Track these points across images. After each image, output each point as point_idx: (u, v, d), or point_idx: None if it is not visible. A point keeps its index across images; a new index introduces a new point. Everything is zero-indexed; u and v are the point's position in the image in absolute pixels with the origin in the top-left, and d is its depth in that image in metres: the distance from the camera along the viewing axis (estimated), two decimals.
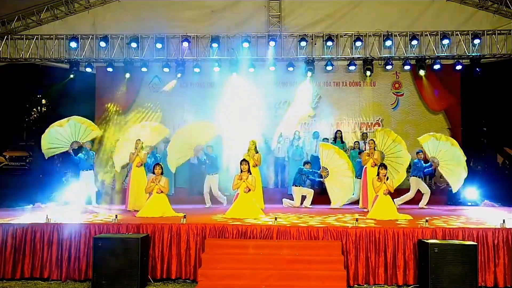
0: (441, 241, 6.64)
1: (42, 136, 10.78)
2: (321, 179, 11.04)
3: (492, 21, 12.77)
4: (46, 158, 10.97)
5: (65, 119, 10.85)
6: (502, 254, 6.81)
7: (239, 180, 8.58)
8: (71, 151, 10.76)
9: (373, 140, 10.56)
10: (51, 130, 10.73)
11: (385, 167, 8.60)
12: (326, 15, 13.16)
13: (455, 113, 13.56)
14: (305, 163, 11.29)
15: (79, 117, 11.07)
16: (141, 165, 10.11)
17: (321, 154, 11.04)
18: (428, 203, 10.84)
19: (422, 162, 10.87)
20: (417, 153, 10.97)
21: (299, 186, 11.05)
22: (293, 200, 11.15)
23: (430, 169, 10.82)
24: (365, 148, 11.85)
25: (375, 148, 10.41)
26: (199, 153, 11.04)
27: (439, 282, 6.36)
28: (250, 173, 8.69)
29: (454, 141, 10.78)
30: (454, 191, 10.87)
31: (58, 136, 10.74)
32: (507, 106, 13.13)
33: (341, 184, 10.84)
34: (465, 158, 10.68)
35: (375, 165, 10.05)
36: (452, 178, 10.66)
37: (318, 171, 10.97)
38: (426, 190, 10.89)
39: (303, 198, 11.07)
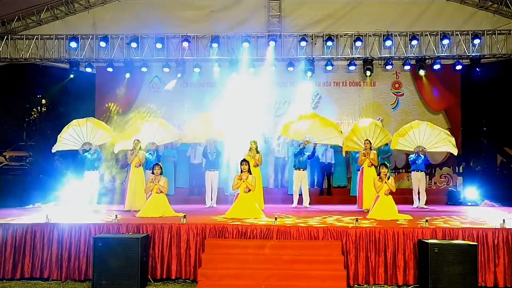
0: (441, 241, 6.64)
1: (62, 131, 10.68)
2: (314, 148, 11.01)
3: (492, 21, 12.77)
4: (53, 151, 10.85)
5: (84, 119, 10.75)
6: (502, 254, 6.81)
7: (239, 180, 8.59)
8: (81, 151, 10.68)
9: (368, 140, 10.52)
10: (69, 129, 10.64)
11: (386, 166, 8.58)
12: (326, 15, 13.16)
13: (455, 113, 13.55)
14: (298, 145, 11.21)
15: (97, 120, 11.06)
16: (140, 165, 10.07)
17: (292, 137, 11.13)
18: (428, 203, 10.84)
19: (419, 155, 10.77)
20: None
21: (297, 169, 10.94)
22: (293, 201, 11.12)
23: (422, 158, 10.69)
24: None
25: (371, 148, 10.39)
26: (209, 144, 10.99)
27: (439, 282, 6.37)
28: (250, 173, 8.69)
29: (414, 123, 10.79)
30: (455, 154, 10.89)
31: (73, 134, 10.68)
32: (507, 106, 13.13)
33: (327, 128, 10.86)
34: (440, 128, 10.88)
35: (372, 165, 10.05)
36: (445, 147, 10.68)
37: (306, 146, 10.90)
38: (423, 191, 10.86)
39: (301, 198, 11.04)
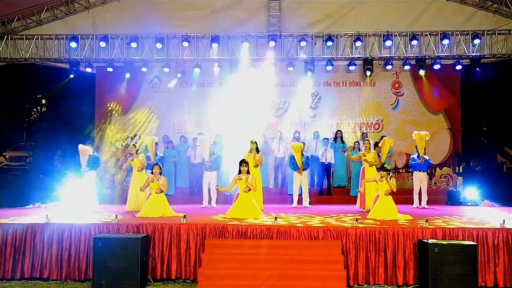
0: (441, 241, 6.63)
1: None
2: (308, 158, 11.14)
3: (492, 21, 12.77)
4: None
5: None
6: (502, 254, 6.81)
7: (239, 180, 8.56)
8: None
9: (368, 140, 10.57)
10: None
11: (386, 169, 8.57)
12: (326, 15, 13.16)
13: (455, 113, 13.57)
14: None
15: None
16: (142, 169, 10.00)
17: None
18: (428, 203, 10.85)
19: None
20: (374, 147, 10.90)
21: (294, 170, 10.96)
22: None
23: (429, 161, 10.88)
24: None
25: (370, 148, 10.40)
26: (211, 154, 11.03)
27: (439, 282, 6.36)
28: (249, 173, 8.66)
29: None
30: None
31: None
32: (507, 106, 13.12)
33: None
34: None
35: (372, 165, 10.05)
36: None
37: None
38: (425, 190, 10.90)
39: (300, 198, 11.04)
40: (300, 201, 10.99)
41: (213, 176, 10.87)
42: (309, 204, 10.95)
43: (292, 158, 10.98)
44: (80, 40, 12.85)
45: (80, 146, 10.75)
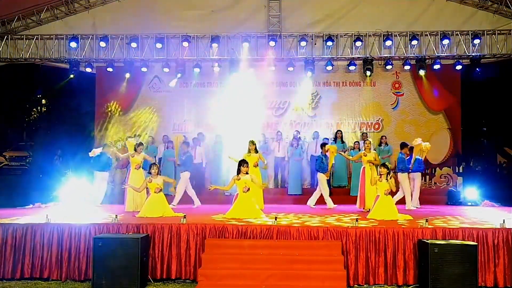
0: (441, 241, 6.63)
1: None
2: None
3: (492, 21, 12.78)
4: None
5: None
6: (502, 254, 6.81)
7: (237, 180, 8.56)
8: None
9: (369, 140, 10.55)
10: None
11: (386, 167, 8.60)
12: (326, 15, 13.17)
13: (455, 113, 13.57)
14: (322, 145, 10.86)
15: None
16: (139, 167, 10.03)
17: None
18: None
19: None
20: (402, 147, 10.76)
21: (324, 172, 10.69)
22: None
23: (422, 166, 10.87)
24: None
25: (371, 148, 10.38)
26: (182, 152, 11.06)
27: (439, 282, 6.37)
28: (247, 173, 8.65)
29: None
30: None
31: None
32: (507, 106, 13.14)
33: None
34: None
35: (372, 165, 10.05)
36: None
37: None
38: (409, 189, 10.67)
39: (308, 197, 11.01)
40: (306, 200, 10.91)
41: (184, 176, 10.80)
42: (314, 205, 10.89)
43: (320, 159, 10.66)
44: (80, 40, 12.85)
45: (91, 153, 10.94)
